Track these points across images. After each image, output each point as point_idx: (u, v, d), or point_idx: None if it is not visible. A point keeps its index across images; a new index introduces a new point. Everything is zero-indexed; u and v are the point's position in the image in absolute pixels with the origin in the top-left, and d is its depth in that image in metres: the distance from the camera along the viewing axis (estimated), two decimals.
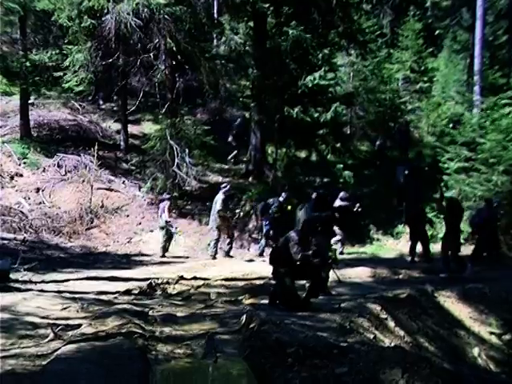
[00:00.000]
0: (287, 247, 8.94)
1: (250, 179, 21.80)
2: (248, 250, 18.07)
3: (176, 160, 18.59)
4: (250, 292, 11.40)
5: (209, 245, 16.69)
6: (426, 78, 26.33)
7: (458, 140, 19.78)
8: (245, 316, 7.35)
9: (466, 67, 26.94)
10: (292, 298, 8.83)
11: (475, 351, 9.67)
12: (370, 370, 5.23)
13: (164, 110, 19.78)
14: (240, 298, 10.93)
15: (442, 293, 10.94)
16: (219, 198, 16.28)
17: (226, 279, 13.09)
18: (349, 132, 24.09)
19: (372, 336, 8.03)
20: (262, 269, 14.53)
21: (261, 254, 16.57)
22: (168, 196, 17.18)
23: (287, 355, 5.94)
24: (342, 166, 19.51)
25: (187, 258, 16.70)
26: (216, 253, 16.13)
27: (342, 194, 16.84)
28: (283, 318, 7.16)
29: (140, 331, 6.97)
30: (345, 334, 7.31)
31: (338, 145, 20.92)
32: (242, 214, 16.83)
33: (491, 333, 10.26)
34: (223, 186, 16.75)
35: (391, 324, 8.90)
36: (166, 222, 16.51)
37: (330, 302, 9.54)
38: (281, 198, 16.73)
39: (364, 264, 15.25)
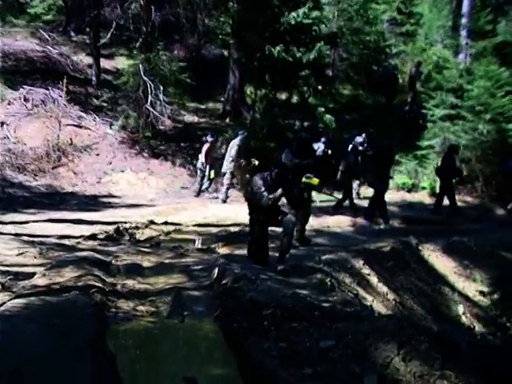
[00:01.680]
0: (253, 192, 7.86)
1: (227, 120, 20.91)
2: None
3: (150, 97, 17.57)
4: (223, 240, 10.73)
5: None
6: (412, 21, 25.31)
7: (444, 86, 19.02)
8: (216, 270, 6.66)
9: (451, 13, 25.90)
10: (259, 251, 7.91)
11: (460, 309, 9.15)
12: (360, 343, 4.56)
13: (138, 44, 18.58)
14: (213, 246, 10.26)
15: (427, 246, 10.37)
16: (235, 143, 15.53)
17: (199, 225, 12.39)
18: (331, 74, 23.12)
19: (354, 293, 7.42)
20: (238, 214, 13.89)
21: None
22: (211, 139, 16.40)
23: (263, 317, 5.26)
24: (323, 109, 18.62)
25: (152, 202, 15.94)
26: (227, 198, 15.50)
27: (323, 138, 16.16)
28: (259, 273, 6.47)
29: (99, 284, 6.23)
30: (326, 292, 6.66)
31: (320, 87, 19.90)
32: (256, 162, 16.09)
33: (480, 292, 9.75)
34: (241, 132, 15.90)
35: (374, 280, 8.30)
36: (202, 163, 16.07)
37: (309, 253, 8.89)
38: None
39: (343, 212, 14.66)
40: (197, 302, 5.98)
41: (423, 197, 18.05)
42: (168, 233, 11.35)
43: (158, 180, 17.32)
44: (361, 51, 23.83)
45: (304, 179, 8.39)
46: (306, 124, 18.34)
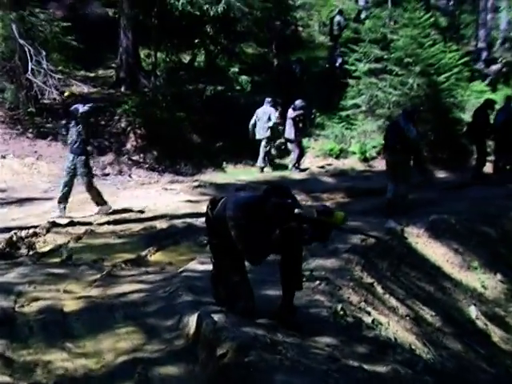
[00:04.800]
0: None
1: (123, 89, 18.05)
2: (130, 176, 14.66)
3: (30, 65, 14.45)
4: (153, 243, 8.28)
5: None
6: None
7: (365, 37, 17.17)
8: (191, 320, 4.23)
9: None
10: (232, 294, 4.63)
11: (472, 312, 7.32)
12: None
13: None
14: (143, 253, 7.80)
15: (409, 231, 8.45)
16: (270, 110, 14.94)
17: (115, 222, 9.82)
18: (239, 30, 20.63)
19: (370, 319, 5.31)
20: (156, 202, 11.43)
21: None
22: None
23: None
24: (237, 69, 16.28)
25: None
26: (266, 165, 15.16)
27: (297, 102, 14.98)
28: (266, 331, 4.11)
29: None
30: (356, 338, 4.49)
31: (230, 46, 17.46)
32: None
33: (482, 285, 7.98)
34: (268, 99, 15.09)
35: (379, 290, 6.23)
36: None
37: None
38: None
39: None
40: None
41: (354, 163, 16.34)
42: (78, 237, 8.71)
43: (49, 165, 14.37)
44: (263, 4, 21.49)
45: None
46: (219, 88, 15.88)
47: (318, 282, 5.59)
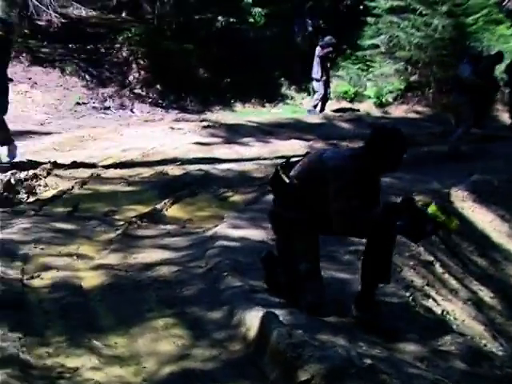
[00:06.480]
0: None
1: (124, 14, 16.80)
2: (132, 111, 13.63)
3: None
4: (168, 194, 7.39)
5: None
6: None
7: None
8: (251, 321, 3.36)
9: None
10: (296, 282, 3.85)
11: None
12: None
13: None
14: (159, 206, 6.92)
15: (455, 194, 7.61)
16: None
17: (122, 165, 8.91)
18: None
19: (440, 309, 4.54)
20: (164, 143, 10.49)
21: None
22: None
23: None
24: (250, 0, 15.01)
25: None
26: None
27: (326, 38, 14.01)
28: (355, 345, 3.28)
29: None
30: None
31: None
32: None
33: None
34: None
35: (438, 270, 5.45)
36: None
37: None
38: None
39: (290, 133, 11.67)
40: None
41: (369, 107, 15.37)
42: (83, 182, 7.79)
43: (44, 94, 13.29)
44: None
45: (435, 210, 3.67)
46: (231, 20, 14.66)
47: None
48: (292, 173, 3.77)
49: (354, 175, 3.52)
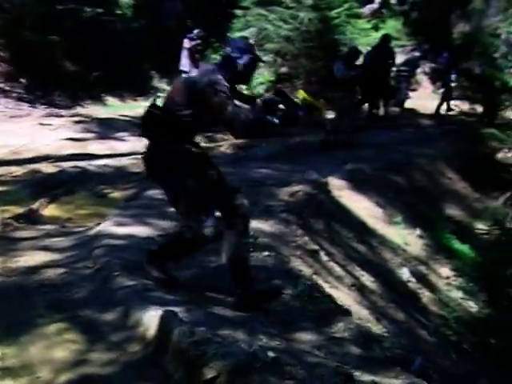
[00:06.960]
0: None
1: None
2: None
3: None
4: (43, 193, 7.10)
5: None
6: None
7: None
8: (149, 321, 3.28)
9: None
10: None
11: (404, 274, 6.98)
12: None
13: None
14: (34, 206, 6.64)
15: (332, 183, 7.88)
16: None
17: None
18: None
19: (328, 297, 4.70)
20: (35, 139, 10.07)
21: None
22: None
23: None
24: None
25: None
26: None
27: (195, 31, 13.27)
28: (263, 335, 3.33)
29: None
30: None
31: None
32: None
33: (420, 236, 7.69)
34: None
35: (323, 258, 5.64)
36: None
37: None
38: None
39: None
40: None
41: None
42: None
43: None
44: None
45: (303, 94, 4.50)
46: (99, 10, 14.17)
47: (266, 252, 4.85)
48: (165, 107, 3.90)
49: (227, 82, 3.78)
